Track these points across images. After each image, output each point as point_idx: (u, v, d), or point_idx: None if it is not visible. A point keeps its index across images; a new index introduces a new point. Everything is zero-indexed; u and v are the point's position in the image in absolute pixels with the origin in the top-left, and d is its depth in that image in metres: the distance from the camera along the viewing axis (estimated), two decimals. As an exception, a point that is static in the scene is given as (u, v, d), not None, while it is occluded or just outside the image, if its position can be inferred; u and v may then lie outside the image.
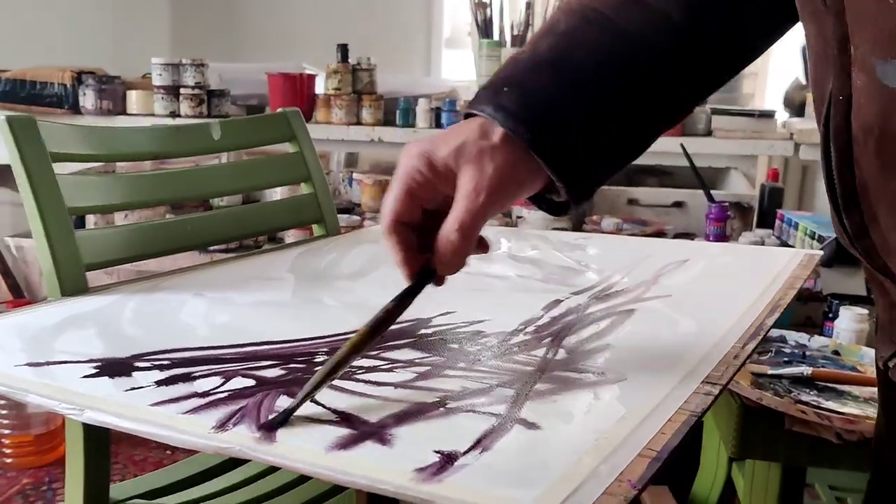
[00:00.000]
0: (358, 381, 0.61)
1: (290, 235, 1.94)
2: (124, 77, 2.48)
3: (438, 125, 2.31)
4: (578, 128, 0.56)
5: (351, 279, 0.97)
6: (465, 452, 0.48)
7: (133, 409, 0.55)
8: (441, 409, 0.55)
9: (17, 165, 0.90)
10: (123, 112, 2.43)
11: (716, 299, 0.86)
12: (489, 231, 1.25)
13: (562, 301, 0.85)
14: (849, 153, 0.47)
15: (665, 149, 2.12)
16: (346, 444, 0.49)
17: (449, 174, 0.56)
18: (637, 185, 2.35)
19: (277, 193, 1.82)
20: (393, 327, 0.74)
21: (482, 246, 0.61)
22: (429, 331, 0.75)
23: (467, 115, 0.58)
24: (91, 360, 0.65)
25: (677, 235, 2.00)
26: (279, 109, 1.26)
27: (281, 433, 0.51)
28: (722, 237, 1.86)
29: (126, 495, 0.96)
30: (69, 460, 0.89)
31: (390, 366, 0.65)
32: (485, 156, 0.55)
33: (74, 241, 0.91)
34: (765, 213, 2.08)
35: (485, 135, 0.56)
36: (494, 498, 0.43)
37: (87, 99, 2.40)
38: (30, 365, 0.65)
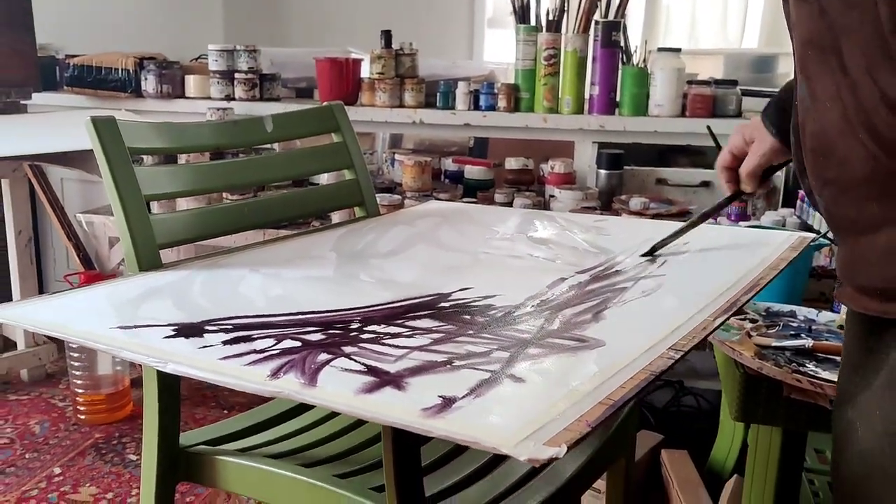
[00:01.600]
0: (384, 344, 0.76)
1: (335, 217, 2.09)
2: (182, 62, 2.65)
3: (476, 107, 2.43)
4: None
5: (385, 258, 1.11)
6: (463, 397, 0.62)
7: (206, 362, 0.71)
8: (448, 366, 0.69)
9: (102, 160, 1.06)
10: (182, 95, 2.60)
11: (703, 279, 0.98)
12: (524, 214, 1.38)
13: (566, 279, 0.98)
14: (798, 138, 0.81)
15: (695, 129, 2.20)
16: (370, 389, 0.63)
17: (749, 141, 1.07)
18: (668, 165, 2.44)
19: (324, 179, 1.97)
20: (415, 300, 0.90)
21: (765, 184, 1.11)
22: (447, 304, 0.89)
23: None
24: (169, 325, 0.81)
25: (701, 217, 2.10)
26: (325, 103, 1.41)
27: (321, 380, 0.65)
28: (744, 217, 1.96)
29: (193, 442, 1.12)
30: (147, 411, 1.06)
31: (412, 332, 0.80)
32: (761, 134, 1.05)
33: (150, 225, 1.08)
34: (790, 193, 2.16)
35: (760, 127, 1.05)
36: (480, 428, 0.57)
37: (149, 83, 2.57)
38: (120, 328, 0.80)
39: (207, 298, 0.92)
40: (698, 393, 2.23)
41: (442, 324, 0.82)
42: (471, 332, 0.79)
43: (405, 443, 0.81)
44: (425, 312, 0.86)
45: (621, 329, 0.80)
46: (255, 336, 0.77)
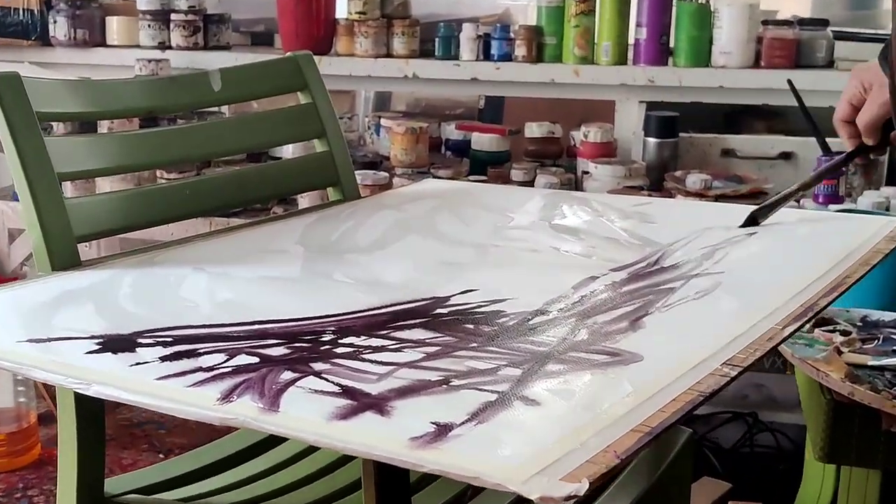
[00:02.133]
0: (364, 360, 0.79)
1: (302, 201, 2.13)
2: (102, 0, 2.69)
3: (487, 56, 2.47)
4: None
5: (366, 252, 1.15)
6: (461, 424, 0.66)
7: (139, 382, 0.75)
8: (444, 386, 0.73)
9: (2, 129, 1.10)
10: (102, 43, 2.64)
11: (772, 276, 1.02)
12: (548, 196, 1.42)
13: (597, 278, 1.02)
14: None
15: (772, 84, 2.23)
16: (346, 415, 0.67)
17: (868, 88, 1.23)
18: (738, 131, 2.48)
19: (287, 152, 2.01)
20: (405, 306, 0.94)
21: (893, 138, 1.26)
22: (444, 310, 0.93)
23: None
24: (93, 337, 0.85)
25: (780, 196, 2.13)
26: (289, 53, 1.45)
27: (284, 404, 0.69)
28: (835, 198, 1.99)
29: (122, 489, 1.16)
30: (62, 451, 1.09)
31: (399, 345, 0.83)
32: (880, 79, 1.21)
33: (65, 212, 1.12)
34: (896, 167, 2.20)
35: (878, 71, 1.21)
36: (481, 461, 0.61)
37: (59, 27, 2.61)
38: (31, 341, 0.84)
39: (140, 304, 0.95)
40: (777, 429, 2.27)
41: (438, 335, 0.86)
42: (474, 344, 0.83)
43: (390, 479, 0.85)
44: (417, 321, 0.90)
45: (664, 340, 0.84)
46: (201, 350, 0.81)
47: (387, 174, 2.28)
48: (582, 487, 0.57)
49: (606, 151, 2.34)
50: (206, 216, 1.93)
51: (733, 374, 0.75)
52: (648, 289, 0.98)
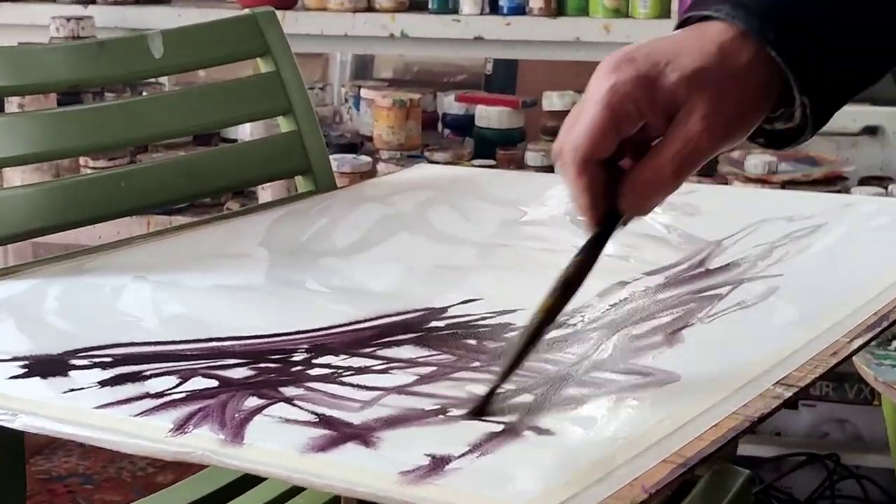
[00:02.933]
0: (344, 384, 0.85)
1: (263, 193, 2.19)
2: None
3: (495, 9, 2.52)
4: (830, 24, 0.79)
5: (345, 255, 1.22)
6: (461, 456, 0.71)
7: (75, 411, 0.80)
8: (440, 415, 0.79)
9: None
10: (6, -2, 2.69)
11: (842, 279, 1.08)
12: (552, 182, 1.48)
13: (627, 284, 1.08)
14: None
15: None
16: (324, 447, 0.73)
17: (671, 105, 0.77)
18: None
19: (244, 133, 2.07)
20: (393, 319, 1.00)
21: None
22: (441, 323, 0.99)
23: (685, 22, 0.81)
24: (16, 359, 0.91)
25: (863, 182, 2.19)
26: (246, 10, 1.51)
27: (250, 435, 0.75)
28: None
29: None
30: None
31: (386, 366, 0.89)
32: (727, 85, 0.77)
33: (-26, 208, 1.17)
34: None
35: (727, 55, 0.77)
36: (484, 497, 0.66)
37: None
38: (-60, 366, 0.90)
39: (70, 319, 1.02)
40: (864, 474, 2.33)
41: (432, 353, 0.92)
42: (476, 364, 0.89)
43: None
44: (408, 336, 0.96)
45: (706, 356, 0.90)
46: (147, 372, 0.87)
47: (369, 159, 2.33)
48: (604, 529, 0.63)
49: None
50: (142, 214, 1.98)
51: (787, 395, 0.81)
52: (689, 296, 1.04)
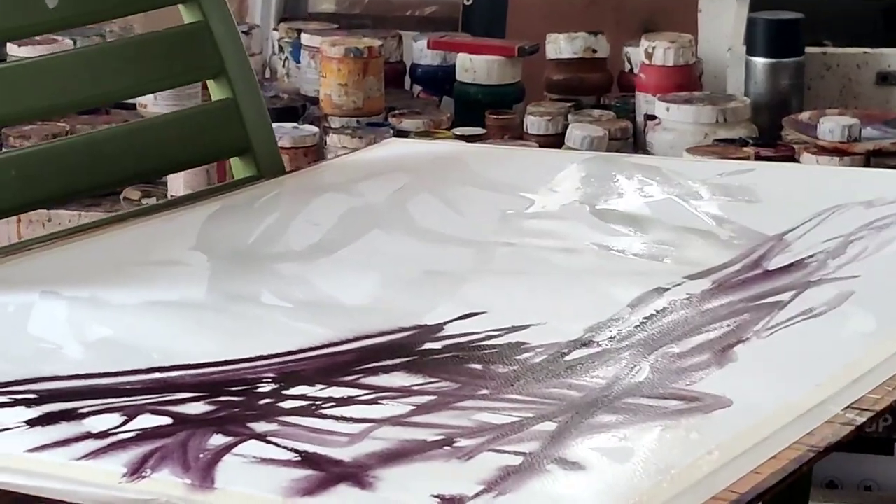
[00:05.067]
0: (325, 416, 0.99)
1: (178, 182, 2.27)
2: None
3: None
4: None
5: (306, 260, 1.35)
6: (475, 496, 0.85)
7: (5, 457, 0.93)
8: (446, 447, 0.93)
9: None
10: None
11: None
12: (589, 162, 1.60)
13: (666, 290, 1.22)
14: None
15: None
16: (310, 490, 0.87)
17: None
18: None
19: (163, 104, 2.18)
20: (378, 341, 1.13)
21: None
22: (437, 345, 1.13)
23: None
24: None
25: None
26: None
27: (220, 479, 0.89)
28: None
29: None
30: None
31: (374, 395, 1.03)
32: None
33: None
34: None
35: None
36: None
37: None
38: None
39: (-30, 348, 1.15)
40: None
41: (430, 380, 1.06)
42: (485, 391, 1.03)
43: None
44: (397, 361, 1.10)
45: (763, 377, 1.04)
46: (83, 410, 1.01)
47: (315, 129, 2.41)
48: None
49: (685, 81, 2.50)
50: (36, 209, 2.06)
51: (860, 420, 0.95)
52: (743, 304, 1.18)
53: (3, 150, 1.51)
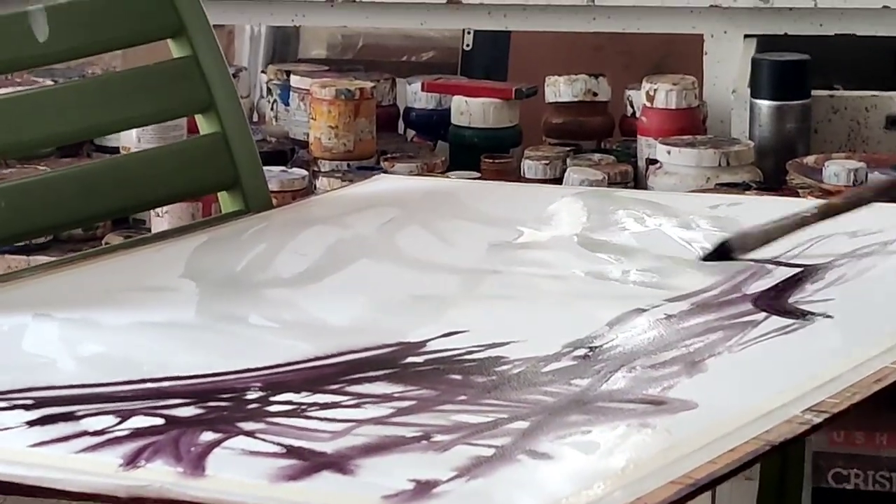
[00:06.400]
0: (310, 417, 1.15)
1: (160, 220, 2.39)
2: None
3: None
4: None
5: (294, 286, 1.50)
6: (449, 480, 1.00)
7: (8, 452, 1.08)
8: (423, 441, 1.08)
9: None
10: None
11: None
12: (579, 197, 1.73)
13: (645, 311, 1.38)
14: None
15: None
16: (295, 476, 1.01)
17: None
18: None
19: (129, 141, 2.34)
20: (360, 354, 1.28)
21: None
22: (419, 359, 1.28)
23: None
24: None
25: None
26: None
27: (211, 467, 1.04)
28: None
29: None
30: None
31: (357, 401, 1.18)
32: None
33: None
34: None
35: None
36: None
37: None
38: None
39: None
40: None
41: (410, 388, 1.21)
42: (463, 397, 1.18)
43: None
44: (380, 373, 1.25)
45: (730, 385, 1.19)
46: (79, 413, 1.15)
47: (304, 172, 2.52)
48: (601, 539, 0.92)
49: (688, 124, 2.63)
50: (22, 240, 2.17)
51: (817, 420, 1.10)
52: (719, 322, 1.34)
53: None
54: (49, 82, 2.48)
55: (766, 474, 1.79)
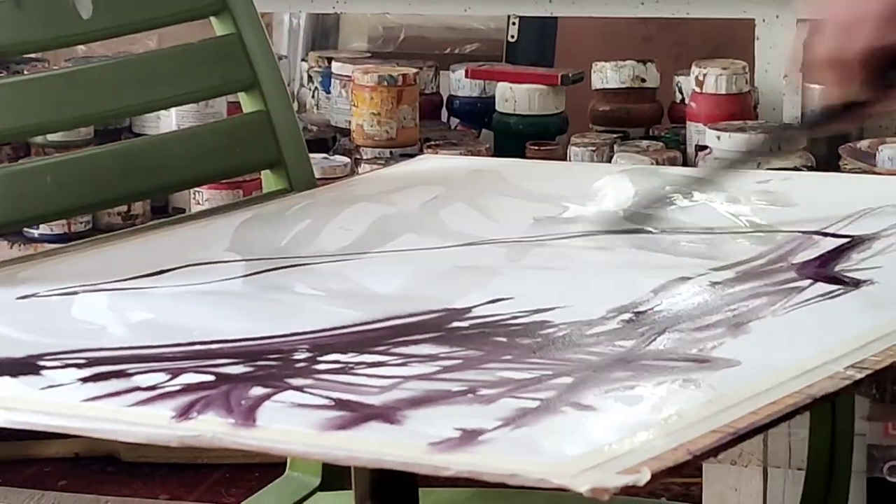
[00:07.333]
0: (358, 374, 1.22)
1: (199, 200, 2.50)
2: None
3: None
4: None
5: (339, 259, 1.57)
6: (494, 429, 1.07)
7: (62, 405, 1.16)
8: (470, 394, 1.15)
9: None
10: None
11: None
12: (625, 175, 1.80)
13: (689, 279, 1.45)
14: None
15: None
16: (344, 425, 1.08)
17: None
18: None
19: (168, 124, 2.41)
20: (406, 320, 1.35)
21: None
22: (464, 323, 1.35)
23: None
24: (-26, 360, 1.25)
25: None
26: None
27: (261, 418, 1.11)
28: None
29: None
30: None
31: (403, 361, 1.25)
32: None
33: None
34: None
35: None
36: (519, 461, 1.02)
37: None
38: None
39: (21, 329, 1.37)
40: None
41: (456, 349, 1.28)
42: (508, 357, 1.25)
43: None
44: (426, 336, 1.32)
45: (774, 344, 1.26)
46: (131, 371, 1.23)
47: (346, 159, 2.61)
48: (642, 478, 0.97)
49: (738, 109, 2.69)
50: (63, 217, 2.22)
51: (859, 376, 1.17)
52: (761, 290, 1.41)
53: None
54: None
55: (813, 465, 1.84)
